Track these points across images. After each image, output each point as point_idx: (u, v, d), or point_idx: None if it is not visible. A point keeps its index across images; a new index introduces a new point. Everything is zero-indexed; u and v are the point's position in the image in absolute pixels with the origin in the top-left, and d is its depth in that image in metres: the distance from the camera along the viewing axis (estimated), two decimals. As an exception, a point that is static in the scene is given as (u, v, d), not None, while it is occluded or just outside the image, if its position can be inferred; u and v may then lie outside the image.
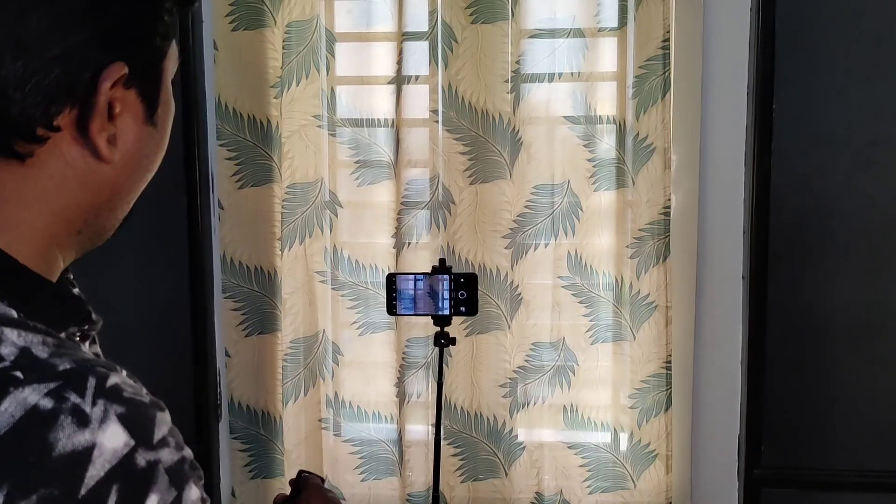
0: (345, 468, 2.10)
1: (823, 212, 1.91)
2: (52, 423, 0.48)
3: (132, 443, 0.51)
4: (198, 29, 1.94)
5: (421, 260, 2.01)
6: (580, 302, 2.03)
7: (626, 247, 1.98)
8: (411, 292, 1.77)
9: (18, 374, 0.50)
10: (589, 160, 1.99)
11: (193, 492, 0.54)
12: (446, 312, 1.75)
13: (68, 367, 0.52)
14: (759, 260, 1.92)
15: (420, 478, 2.04)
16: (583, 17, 1.95)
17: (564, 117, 1.99)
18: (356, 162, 2.06)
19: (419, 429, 2.06)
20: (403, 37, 1.98)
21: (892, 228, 1.89)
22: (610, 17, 1.95)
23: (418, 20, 1.99)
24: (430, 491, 1.81)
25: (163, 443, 0.53)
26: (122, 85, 0.58)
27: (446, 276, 1.76)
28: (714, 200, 1.97)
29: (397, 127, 2.01)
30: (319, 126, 2.02)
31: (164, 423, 0.54)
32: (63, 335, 0.57)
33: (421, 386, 2.06)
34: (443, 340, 1.79)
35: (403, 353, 2.04)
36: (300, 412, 2.07)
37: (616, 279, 2.00)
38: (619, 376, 2.03)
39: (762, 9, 1.85)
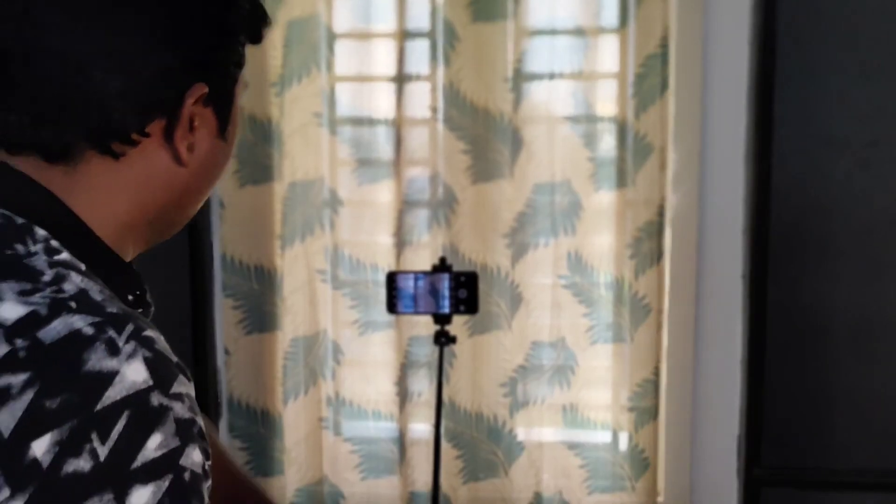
0: (345, 467, 2.10)
1: (823, 211, 1.91)
2: (89, 345, 0.57)
3: (151, 383, 0.58)
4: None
5: (422, 259, 2.01)
6: (580, 302, 2.03)
7: (626, 247, 1.98)
8: (412, 291, 1.77)
9: (73, 304, 0.60)
10: (589, 159, 1.99)
11: (196, 454, 0.60)
12: (447, 311, 1.75)
13: (114, 311, 0.61)
14: (758, 259, 1.92)
15: (422, 476, 2.04)
16: (584, 15, 1.95)
17: (565, 116, 1.99)
18: (357, 160, 2.06)
19: (421, 428, 2.05)
20: (404, 35, 1.98)
21: (893, 228, 1.89)
22: (611, 16, 1.96)
23: (419, 18, 1.99)
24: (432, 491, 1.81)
25: (178, 397, 0.60)
26: (201, 103, 0.69)
27: (447, 275, 1.76)
28: (714, 200, 1.97)
29: (398, 126, 2.01)
30: (320, 124, 2.02)
31: (184, 384, 0.61)
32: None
33: (422, 385, 2.06)
34: (443, 339, 1.79)
35: (405, 351, 2.04)
36: (300, 411, 2.06)
37: (616, 279, 2.00)
38: (619, 377, 2.02)
39: (762, 8, 1.85)
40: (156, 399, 0.58)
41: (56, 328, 0.58)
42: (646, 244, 1.96)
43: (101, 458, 0.55)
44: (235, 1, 0.71)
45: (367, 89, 2.05)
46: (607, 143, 1.98)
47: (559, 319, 2.03)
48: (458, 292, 1.76)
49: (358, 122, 2.06)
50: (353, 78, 2.06)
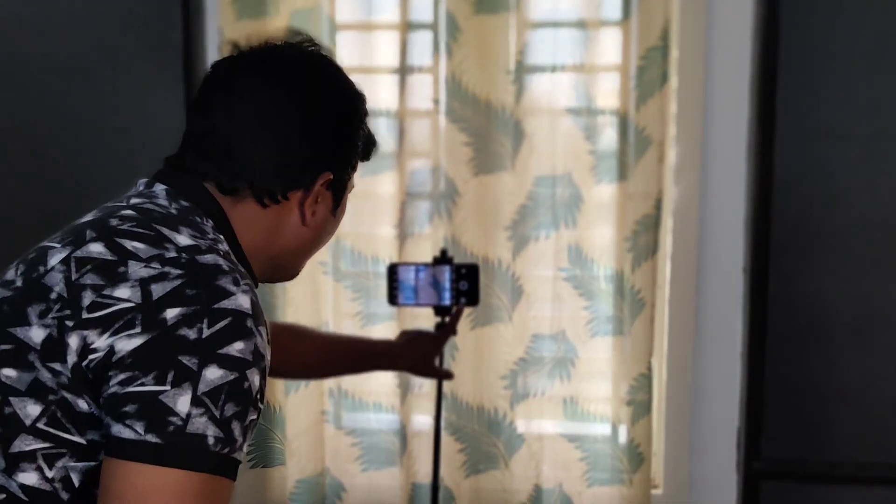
0: (346, 459, 2.10)
1: (825, 205, 1.91)
2: (223, 274, 0.85)
3: (250, 312, 0.84)
4: (202, 19, 1.94)
5: (423, 251, 2.01)
6: (580, 295, 2.03)
7: (625, 240, 1.98)
8: (412, 283, 1.77)
9: (221, 252, 0.90)
10: (590, 152, 1.99)
11: (257, 379, 0.83)
12: (448, 303, 1.75)
13: (242, 270, 0.90)
14: (759, 252, 1.93)
15: (424, 468, 2.04)
16: (586, 8, 1.95)
17: (567, 109, 1.99)
18: (358, 152, 2.06)
19: (422, 419, 2.05)
20: (407, 27, 1.98)
21: (895, 222, 1.89)
22: (613, 8, 1.95)
23: (422, 10, 1.99)
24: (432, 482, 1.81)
25: (262, 335, 0.84)
26: (325, 186, 1.00)
27: (448, 267, 1.76)
28: (715, 192, 1.97)
29: (400, 117, 2.01)
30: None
31: (265, 335, 0.85)
32: None
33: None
34: (448, 332, 1.79)
35: (405, 343, 2.04)
36: (301, 403, 2.06)
37: (616, 272, 2.00)
38: (619, 370, 2.02)
39: (765, 0, 1.85)
40: (249, 322, 0.83)
41: (207, 257, 0.87)
42: (643, 237, 1.96)
43: (203, 336, 0.80)
44: (361, 125, 1.04)
45: (369, 81, 2.05)
46: (608, 136, 1.98)
47: (560, 312, 2.03)
48: (460, 284, 1.76)
49: (360, 113, 2.06)
50: (355, 69, 2.05)
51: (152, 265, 0.83)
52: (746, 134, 1.94)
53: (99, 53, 2.00)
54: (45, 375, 0.81)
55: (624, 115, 1.95)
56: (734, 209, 1.96)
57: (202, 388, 0.79)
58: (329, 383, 2.09)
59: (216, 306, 0.82)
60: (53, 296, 0.83)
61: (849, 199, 1.90)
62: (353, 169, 1.05)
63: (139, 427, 0.78)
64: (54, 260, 0.86)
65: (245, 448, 0.84)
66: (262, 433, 2.07)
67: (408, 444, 2.06)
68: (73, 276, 0.83)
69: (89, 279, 0.83)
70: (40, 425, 0.81)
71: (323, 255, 2.05)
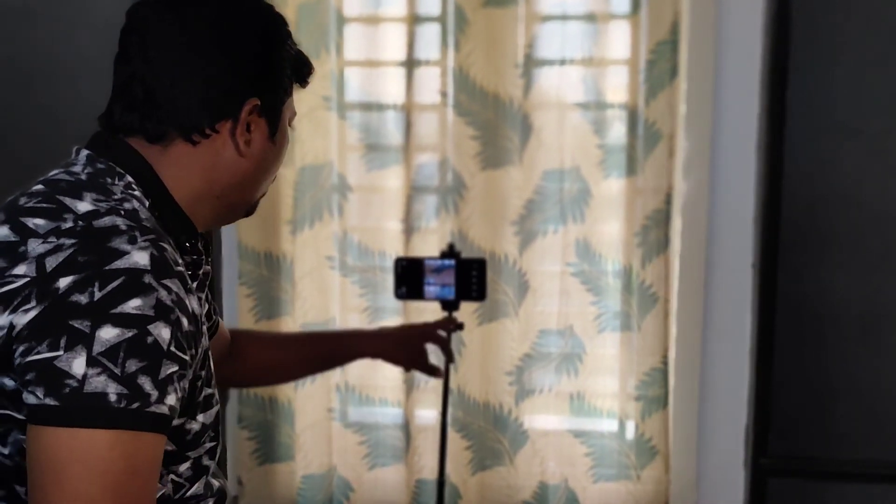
0: (353, 456, 2.09)
1: (835, 201, 1.89)
2: (119, 234, 0.86)
3: (148, 268, 0.84)
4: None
5: (430, 245, 2.00)
6: (588, 290, 2.02)
7: (634, 235, 1.97)
8: (420, 277, 1.76)
9: (122, 212, 0.90)
10: (599, 146, 1.97)
11: (165, 332, 0.83)
12: (454, 297, 1.75)
13: (148, 225, 0.90)
14: (768, 249, 1.91)
15: (430, 463, 2.03)
16: (595, 1, 1.94)
17: (575, 103, 1.97)
18: (366, 146, 2.05)
19: (428, 414, 2.05)
20: (414, 19, 1.96)
21: (905, 218, 1.88)
22: (622, 2, 1.94)
23: (429, 3, 1.97)
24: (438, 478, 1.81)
25: (167, 288, 0.84)
26: (256, 113, 1.00)
27: (454, 261, 1.75)
28: (724, 188, 1.95)
29: (408, 111, 2.00)
30: (329, 108, 2.01)
31: (176, 286, 0.86)
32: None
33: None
34: (451, 326, 1.79)
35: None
36: (307, 399, 2.06)
37: (624, 268, 1.99)
38: (626, 365, 2.01)
39: (777, -5, 1.84)
40: (147, 278, 0.84)
41: (104, 220, 0.87)
42: (653, 232, 1.95)
43: (94, 298, 0.82)
44: (283, 45, 1.04)
45: (377, 74, 2.04)
46: (617, 130, 1.97)
47: (567, 307, 2.02)
48: (467, 279, 1.75)
49: (367, 106, 2.05)
50: (362, 62, 2.05)
51: (49, 240, 0.86)
52: (756, 129, 1.92)
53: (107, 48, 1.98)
54: None
55: (633, 110, 1.94)
56: (743, 205, 1.94)
57: (97, 348, 0.80)
58: (336, 379, 2.08)
59: (108, 268, 0.83)
60: None
61: (859, 195, 1.88)
62: (287, 93, 1.05)
63: (39, 392, 0.81)
64: None
65: (174, 401, 0.84)
66: (270, 429, 2.07)
67: (413, 440, 2.05)
68: None
69: None
70: None
71: (330, 249, 2.05)
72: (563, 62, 1.97)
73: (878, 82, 1.85)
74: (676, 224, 1.98)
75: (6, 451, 0.88)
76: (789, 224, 1.90)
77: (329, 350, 1.54)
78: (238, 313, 2.03)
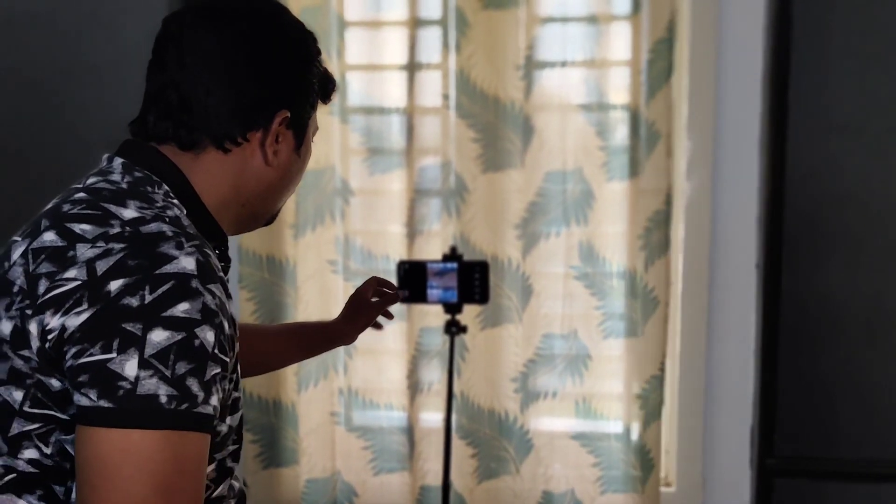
0: (357, 461, 2.09)
1: (839, 200, 1.89)
2: (166, 240, 0.89)
3: (195, 273, 0.87)
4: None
5: (433, 248, 2.00)
6: (592, 294, 2.02)
7: (638, 237, 1.96)
8: (422, 280, 1.76)
9: (167, 219, 0.92)
10: (601, 148, 1.97)
11: (211, 335, 0.86)
12: (456, 300, 1.75)
13: (191, 232, 0.93)
14: (772, 249, 1.91)
15: (435, 468, 2.03)
16: (596, 2, 1.94)
17: (577, 104, 1.97)
18: (368, 149, 2.05)
19: (432, 417, 2.04)
20: (415, 23, 1.96)
21: (909, 217, 1.87)
22: (623, 3, 1.94)
23: (430, 6, 1.98)
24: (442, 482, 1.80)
25: (211, 293, 0.87)
26: (285, 125, 1.02)
27: (457, 264, 1.75)
28: (728, 188, 1.95)
29: (409, 114, 2.00)
30: (330, 112, 2.01)
31: (219, 291, 0.88)
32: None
33: (433, 375, 2.05)
34: (454, 328, 1.79)
35: (416, 342, 2.04)
36: (310, 403, 2.06)
37: (628, 270, 1.99)
38: (631, 370, 2.00)
39: (778, -6, 1.83)
40: (195, 283, 0.86)
41: (151, 227, 0.90)
42: (654, 234, 1.94)
43: (145, 302, 0.84)
44: (313, 62, 1.06)
45: (378, 77, 2.04)
46: (620, 131, 1.96)
47: (571, 310, 2.02)
48: (469, 281, 1.76)
49: (369, 110, 2.05)
50: (364, 66, 2.05)
51: (97, 244, 0.88)
52: (759, 129, 1.92)
53: (117, 52, 1.99)
54: (19, 363, 0.88)
55: (635, 111, 1.93)
56: (747, 205, 1.94)
57: (149, 351, 0.83)
58: (339, 383, 2.08)
59: (158, 272, 0.85)
60: (15, 289, 0.89)
61: (862, 195, 1.88)
62: (313, 108, 1.07)
63: (93, 394, 0.83)
64: (16, 254, 0.92)
65: (216, 402, 0.86)
66: (274, 433, 2.07)
67: (417, 445, 2.05)
68: (31, 268, 0.89)
69: (44, 268, 0.88)
70: (26, 408, 0.88)
71: (332, 253, 2.05)
72: (564, 64, 1.96)
73: (881, 81, 1.85)
74: (675, 225, 1.98)
75: (48, 451, 0.89)
76: (793, 224, 1.90)
77: (309, 341, 1.48)
78: (240, 317, 2.03)
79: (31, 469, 0.89)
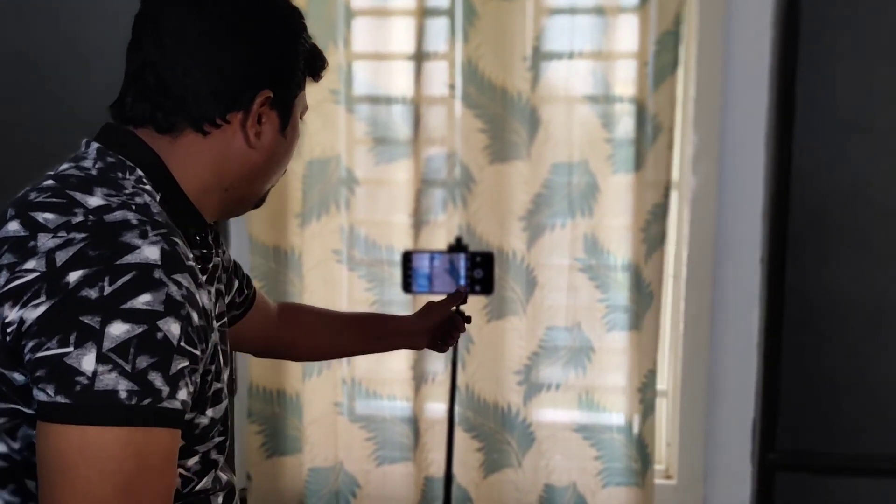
0: (361, 452, 2.09)
1: (844, 196, 1.89)
2: (130, 229, 0.85)
3: (159, 263, 0.84)
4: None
5: (437, 239, 2.00)
6: (596, 286, 2.02)
7: (640, 230, 1.96)
8: (427, 270, 1.76)
9: (133, 206, 0.89)
10: (607, 140, 1.97)
11: (175, 328, 0.82)
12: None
13: (159, 220, 0.89)
14: (777, 244, 1.91)
15: (439, 458, 2.03)
16: (604, -6, 1.93)
17: (583, 96, 1.97)
18: (374, 139, 2.04)
19: (436, 408, 2.04)
20: (423, 12, 1.96)
21: (914, 213, 1.87)
22: (632, -5, 1.93)
23: (438, -5, 1.97)
24: (445, 473, 1.81)
25: (177, 283, 0.84)
26: (267, 105, 0.98)
27: (463, 255, 1.75)
28: (733, 182, 1.95)
29: (416, 104, 1.99)
30: (336, 102, 2.01)
31: (187, 281, 0.85)
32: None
33: (437, 366, 2.05)
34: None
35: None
36: (314, 392, 2.06)
37: (632, 263, 1.99)
38: (633, 363, 2.01)
39: (787, -12, 1.83)
40: (157, 273, 0.83)
41: (116, 215, 0.87)
42: (654, 227, 1.94)
43: (104, 294, 0.81)
44: (298, 39, 1.01)
45: (385, 67, 2.04)
46: (626, 124, 1.96)
47: (575, 302, 2.02)
48: (474, 272, 1.75)
49: (375, 100, 2.05)
50: (370, 55, 2.04)
51: (59, 234, 0.85)
52: (765, 124, 1.92)
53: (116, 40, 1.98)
54: None
55: (641, 103, 1.93)
56: (752, 199, 1.94)
57: (107, 344, 0.80)
58: (343, 373, 2.08)
59: (118, 262, 0.82)
60: None
61: (868, 190, 1.88)
62: (299, 87, 1.02)
63: (50, 389, 0.80)
64: None
65: (186, 396, 0.83)
66: (278, 421, 2.07)
67: (422, 436, 2.05)
68: None
69: (6, 259, 0.86)
70: None
71: (337, 242, 2.05)
72: (571, 55, 1.96)
73: (888, 78, 1.84)
74: (673, 218, 1.98)
75: (16, 446, 0.87)
76: (798, 219, 1.90)
77: (383, 338, 1.43)
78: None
79: (0, 464, 0.87)
